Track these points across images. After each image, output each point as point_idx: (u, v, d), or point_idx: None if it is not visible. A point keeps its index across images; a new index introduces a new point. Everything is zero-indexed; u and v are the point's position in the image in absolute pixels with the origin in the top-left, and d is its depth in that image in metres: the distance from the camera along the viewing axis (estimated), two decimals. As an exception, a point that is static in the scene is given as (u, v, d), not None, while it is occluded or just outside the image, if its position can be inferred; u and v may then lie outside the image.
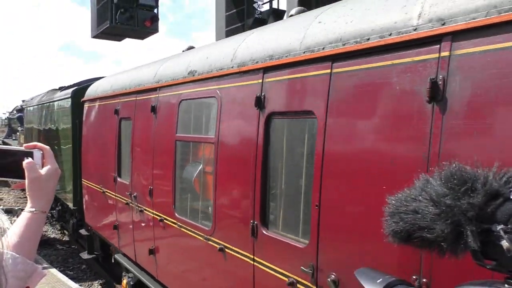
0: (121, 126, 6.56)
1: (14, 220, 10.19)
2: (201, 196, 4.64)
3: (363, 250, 2.58)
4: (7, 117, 43.23)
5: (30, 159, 1.28)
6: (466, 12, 2.07)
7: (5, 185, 18.53)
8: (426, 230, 1.08)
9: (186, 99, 4.75)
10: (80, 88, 9.45)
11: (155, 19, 11.21)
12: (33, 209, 1.26)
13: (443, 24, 2.17)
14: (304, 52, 3.04)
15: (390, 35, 2.43)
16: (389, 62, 2.46)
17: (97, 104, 7.74)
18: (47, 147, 1.35)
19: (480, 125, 2.03)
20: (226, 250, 3.91)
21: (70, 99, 9.77)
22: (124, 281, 6.63)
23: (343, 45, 2.72)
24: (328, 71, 2.84)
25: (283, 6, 12.67)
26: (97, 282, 8.68)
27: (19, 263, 1.14)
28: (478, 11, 2.02)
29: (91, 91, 8.24)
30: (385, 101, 2.50)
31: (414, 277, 2.25)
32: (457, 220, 1.04)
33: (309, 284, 2.95)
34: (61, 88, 11.79)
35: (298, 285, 3.05)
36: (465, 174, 1.09)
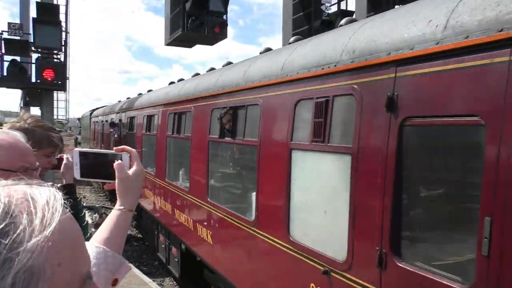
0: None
1: (95, 216, 10.92)
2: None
3: None
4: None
5: (120, 161, 1.35)
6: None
7: (87, 184, 20.17)
8: None
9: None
10: (93, 110, 23.08)
11: (223, 25, 11.52)
12: (122, 207, 1.32)
13: None
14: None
15: None
16: None
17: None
18: (134, 150, 1.41)
19: None
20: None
21: (89, 116, 23.31)
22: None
23: None
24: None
25: (351, 7, 12.35)
26: (168, 278, 9.04)
27: (110, 256, 1.20)
28: None
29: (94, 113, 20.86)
30: None
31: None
32: None
33: None
34: (95, 109, 23.41)
35: None
36: None
